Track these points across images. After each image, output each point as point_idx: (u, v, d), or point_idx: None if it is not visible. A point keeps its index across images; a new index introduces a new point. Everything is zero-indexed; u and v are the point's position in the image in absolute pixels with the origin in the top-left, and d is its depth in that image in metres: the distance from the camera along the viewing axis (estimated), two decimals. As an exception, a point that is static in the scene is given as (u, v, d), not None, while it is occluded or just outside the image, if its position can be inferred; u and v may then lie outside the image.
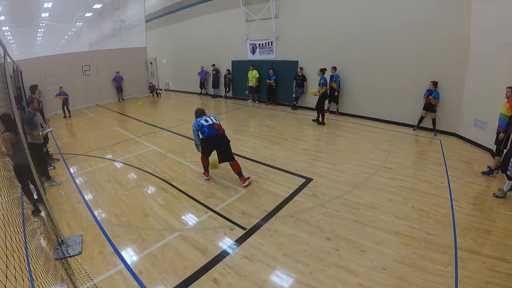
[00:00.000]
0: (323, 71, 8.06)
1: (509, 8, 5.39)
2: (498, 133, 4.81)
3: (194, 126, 4.69)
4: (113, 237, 3.53)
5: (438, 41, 7.09)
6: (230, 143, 4.73)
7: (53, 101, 11.56)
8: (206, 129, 4.55)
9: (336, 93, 9.19)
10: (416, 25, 7.37)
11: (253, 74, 11.62)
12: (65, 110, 11.13)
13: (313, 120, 8.78)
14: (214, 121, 4.70)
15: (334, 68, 9.07)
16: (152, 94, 15.06)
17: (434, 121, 7.35)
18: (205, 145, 4.69)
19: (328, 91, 9.41)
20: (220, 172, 5.34)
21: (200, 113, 4.92)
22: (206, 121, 4.65)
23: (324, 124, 8.40)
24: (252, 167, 5.51)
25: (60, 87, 10.92)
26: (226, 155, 4.65)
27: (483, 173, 5.07)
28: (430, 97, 7.18)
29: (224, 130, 4.74)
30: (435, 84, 7.11)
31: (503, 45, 5.59)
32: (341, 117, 9.34)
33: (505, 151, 4.69)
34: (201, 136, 4.67)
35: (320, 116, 8.45)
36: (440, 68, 7.17)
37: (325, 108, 9.83)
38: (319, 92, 8.19)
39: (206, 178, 5.04)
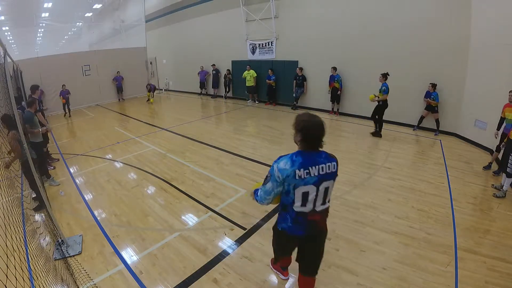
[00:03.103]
0: (385, 76, 6.90)
1: (509, 8, 5.39)
2: (504, 135, 4.79)
3: (277, 173, 1.90)
4: (113, 237, 3.53)
5: (438, 41, 7.09)
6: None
7: (53, 100, 11.58)
8: (289, 218, 1.99)
9: (338, 92, 9.20)
10: (416, 25, 7.37)
11: (250, 74, 11.62)
12: (66, 109, 11.14)
13: (371, 133, 7.46)
14: (321, 205, 1.96)
15: (334, 69, 9.09)
16: (149, 96, 13.76)
17: (437, 121, 7.35)
18: (281, 240, 2.29)
19: (330, 91, 9.45)
20: (220, 172, 5.34)
21: (310, 138, 1.89)
22: (306, 196, 1.89)
23: (381, 136, 7.22)
24: (252, 167, 5.51)
25: (63, 85, 10.89)
26: (314, 263, 2.24)
27: (491, 170, 5.15)
28: (428, 99, 7.19)
29: (326, 220, 2.10)
30: (434, 86, 7.11)
31: (503, 45, 5.59)
32: (341, 117, 9.34)
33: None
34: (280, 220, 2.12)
35: (378, 126, 7.33)
36: (440, 68, 7.17)
37: (331, 108, 9.79)
38: (377, 98, 7.05)
39: (284, 278, 2.83)
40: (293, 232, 2.02)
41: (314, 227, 2.02)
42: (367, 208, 4.02)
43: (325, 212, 2.03)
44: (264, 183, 2.01)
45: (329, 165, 1.88)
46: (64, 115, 11.18)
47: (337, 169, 1.94)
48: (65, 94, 10.88)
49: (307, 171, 1.84)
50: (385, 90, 6.89)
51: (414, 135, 7.50)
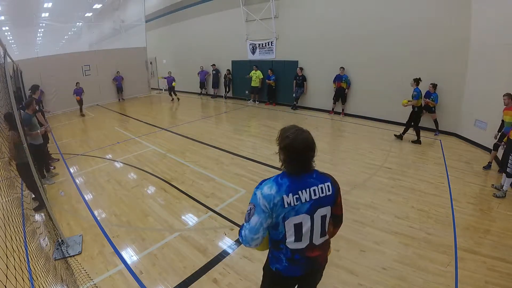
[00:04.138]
0: (417, 81, 6.57)
1: (509, 8, 5.39)
2: (502, 135, 4.80)
3: (262, 201, 1.49)
4: (113, 237, 3.53)
5: (438, 41, 7.09)
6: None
7: (53, 100, 11.58)
8: (283, 258, 1.57)
9: (346, 91, 9.20)
10: (416, 25, 7.37)
11: (256, 75, 11.60)
12: (82, 108, 11.20)
13: (412, 141, 6.88)
14: (321, 237, 1.58)
15: (343, 68, 9.05)
16: (170, 94, 13.69)
17: (435, 121, 7.35)
18: (274, 281, 1.71)
19: (335, 90, 9.36)
20: (220, 172, 5.34)
21: (296, 159, 1.50)
22: (300, 229, 1.50)
23: (420, 143, 6.77)
24: (252, 167, 5.51)
25: (76, 83, 10.89)
26: None
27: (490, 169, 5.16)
28: (427, 100, 7.17)
29: (327, 253, 1.75)
30: (434, 86, 7.09)
31: (503, 45, 5.59)
32: (344, 118, 9.34)
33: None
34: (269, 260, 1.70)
35: (416, 133, 6.84)
36: (441, 68, 7.16)
37: (331, 108, 9.75)
38: (410, 103, 6.68)
39: None
40: (289, 273, 1.60)
41: (313, 265, 1.63)
42: (367, 208, 4.02)
43: (327, 244, 1.66)
44: (247, 220, 1.57)
45: (322, 187, 1.52)
46: (82, 114, 11.15)
47: (335, 192, 1.56)
48: (79, 93, 10.88)
49: (297, 196, 1.47)
50: (415, 95, 6.55)
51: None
